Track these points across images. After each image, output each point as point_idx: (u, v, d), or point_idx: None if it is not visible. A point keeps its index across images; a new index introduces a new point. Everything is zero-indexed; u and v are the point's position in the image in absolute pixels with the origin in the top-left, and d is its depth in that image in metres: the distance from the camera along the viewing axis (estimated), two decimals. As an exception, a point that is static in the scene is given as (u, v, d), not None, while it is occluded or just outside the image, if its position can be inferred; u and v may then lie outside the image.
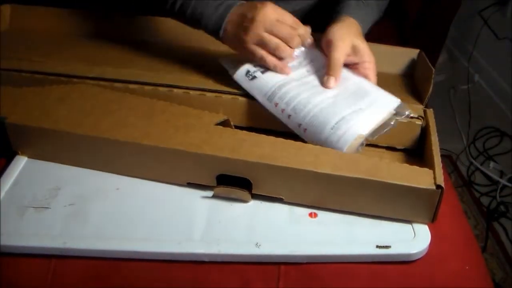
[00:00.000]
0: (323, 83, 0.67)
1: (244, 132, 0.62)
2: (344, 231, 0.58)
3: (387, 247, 0.56)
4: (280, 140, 0.61)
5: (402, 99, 0.67)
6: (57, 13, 0.88)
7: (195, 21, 0.71)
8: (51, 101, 0.67)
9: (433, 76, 0.67)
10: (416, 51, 0.80)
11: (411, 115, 0.66)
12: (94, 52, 0.80)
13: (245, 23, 0.65)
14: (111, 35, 0.85)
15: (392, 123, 0.64)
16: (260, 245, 0.56)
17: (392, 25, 1.24)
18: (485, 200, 1.48)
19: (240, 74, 0.68)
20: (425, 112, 0.67)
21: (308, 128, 0.63)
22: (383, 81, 0.70)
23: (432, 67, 0.68)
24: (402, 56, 0.81)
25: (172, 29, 0.84)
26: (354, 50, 0.69)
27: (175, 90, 0.68)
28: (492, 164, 1.59)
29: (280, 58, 0.67)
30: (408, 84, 0.76)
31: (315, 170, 0.56)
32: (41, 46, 0.81)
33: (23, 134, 0.64)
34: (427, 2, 1.26)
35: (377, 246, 0.56)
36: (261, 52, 0.66)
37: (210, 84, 0.69)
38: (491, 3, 1.80)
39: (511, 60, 1.73)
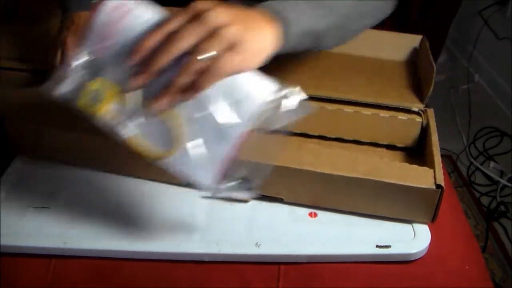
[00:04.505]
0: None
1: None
2: (344, 230, 0.58)
3: (387, 246, 0.56)
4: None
5: (402, 97, 0.67)
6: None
7: None
8: (50, 101, 0.67)
9: (434, 74, 0.67)
10: (420, 37, 0.77)
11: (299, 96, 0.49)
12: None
13: None
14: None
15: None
16: (260, 245, 0.56)
17: (392, 25, 1.24)
18: (485, 200, 1.48)
19: None
20: (425, 111, 0.67)
21: None
22: (387, 70, 0.68)
23: (433, 64, 0.67)
24: (406, 42, 0.78)
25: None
26: None
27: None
28: (492, 164, 1.59)
29: None
30: (411, 75, 0.75)
31: (314, 170, 0.56)
32: (42, 40, 0.80)
33: (23, 134, 0.64)
34: (427, 2, 1.27)
35: (377, 246, 0.56)
36: None
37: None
38: (491, 3, 1.80)
39: (511, 60, 1.72)
